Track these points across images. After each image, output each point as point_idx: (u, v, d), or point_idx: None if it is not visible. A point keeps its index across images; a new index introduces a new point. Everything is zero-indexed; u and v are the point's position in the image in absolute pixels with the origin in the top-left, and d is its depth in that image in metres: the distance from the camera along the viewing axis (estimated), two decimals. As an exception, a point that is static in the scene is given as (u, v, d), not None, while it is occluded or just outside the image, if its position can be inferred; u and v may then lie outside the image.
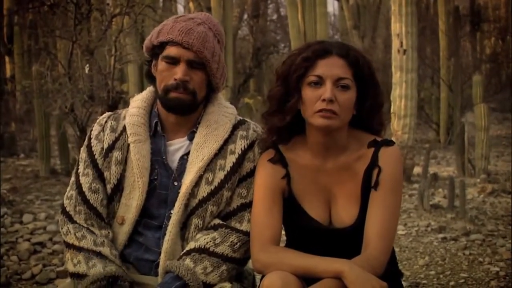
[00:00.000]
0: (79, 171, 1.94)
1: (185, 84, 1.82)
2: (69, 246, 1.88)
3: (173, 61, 1.83)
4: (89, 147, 1.95)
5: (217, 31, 1.89)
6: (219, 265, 1.79)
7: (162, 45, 1.84)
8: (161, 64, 1.85)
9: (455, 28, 10.94)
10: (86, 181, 1.91)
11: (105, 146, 1.92)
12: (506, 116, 13.42)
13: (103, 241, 1.85)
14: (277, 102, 1.85)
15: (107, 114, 2.01)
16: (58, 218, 1.99)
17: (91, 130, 1.98)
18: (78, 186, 1.92)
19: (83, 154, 1.96)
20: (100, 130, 1.95)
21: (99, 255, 1.82)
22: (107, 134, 1.93)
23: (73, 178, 1.96)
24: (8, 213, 4.95)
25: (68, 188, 1.96)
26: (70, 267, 1.86)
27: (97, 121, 1.99)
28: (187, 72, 1.82)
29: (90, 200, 1.89)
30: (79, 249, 1.84)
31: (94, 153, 1.93)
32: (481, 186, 6.41)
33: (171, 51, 1.82)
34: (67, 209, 1.92)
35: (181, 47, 1.81)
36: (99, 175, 1.91)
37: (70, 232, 1.88)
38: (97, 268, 1.78)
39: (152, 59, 1.91)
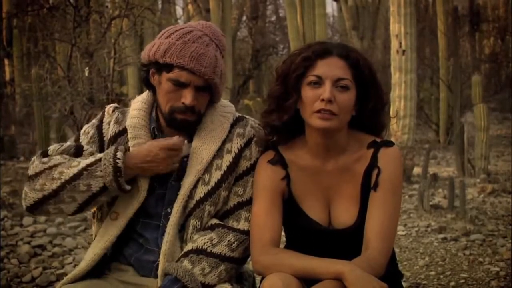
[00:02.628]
0: (80, 141, 1.93)
1: (193, 108, 1.83)
2: (36, 174, 1.82)
3: (181, 85, 1.81)
4: (99, 127, 1.95)
5: (222, 44, 1.87)
6: (217, 265, 1.79)
7: (169, 66, 1.80)
8: (167, 85, 1.82)
9: (454, 28, 10.93)
10: (88, 149, 1.89)
11: (109, 135, 1.92)
12: (506, 116, 13.42)
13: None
14: (275, 101, 1.85)
15: (113, 105, 2.01)
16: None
17: (102, 116, 1.97)
18: (79, 146, 1.90)
19: (90, 129, 1.95)
20: (110, 120, 1.95)
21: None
22: (112, 124, 1.93)
23: (68, 142, 1.93)
24: (8, 216, 4.95)
25: None
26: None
27: (106, 110, 1.98)
28: (195, 96, 1.81)
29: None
30: (50, 167, 1.81)
31: (104, 135, 1.93)
32: (481, 186, 6.41)
33: (180, 76, 1.79)
34: (49, 150, 1.88)
35: (191, 73, 1.79)
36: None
37: (37, 161, 1.85)
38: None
39: (148, 67, 1.88)
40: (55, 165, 1.81)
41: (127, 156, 1.80)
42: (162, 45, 1.81)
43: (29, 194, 1.82)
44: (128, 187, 1.81)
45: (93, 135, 1.94)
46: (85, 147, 1.91)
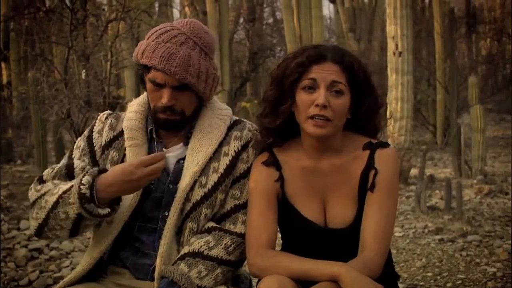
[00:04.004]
0: (73, 156, 1.93)
1: (172, 108, 1.82)
2: (33, 203, 1.85)
3: (159, 85, 1.81)
4: (90, 138, 1.95)
5: (204, 43, 1.85)
6: (214, 269, 1.79)
7: (147, 67, 1.82)
8: (149, 85, 1.84)
9: (451, 30, 10.97)
10: (79, 164, 1.90)
11: (103, 142, 1.92)
12: (503, 117, 13.48)
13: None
14: (270, 105, 1.86)
15: (107, 112, 2.02)
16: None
17: (93, 125, 1.98)
18: (69, 164, 1.90)
19: (81, 142, 1.96)
20: (102, 127, 1.95)
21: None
22: (106, 131, 1.94)
23: (63, 160, 1.94)
24: (5, 220, 4.94)
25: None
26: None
27: (98, 118, 1.99)
28: (172, 96, 1.81)
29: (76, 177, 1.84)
30: (40, 195, 1.83)
31: (95, 144, 1.93)
32: (477, 187, 6.43)
33: (155, 76, 1.80)
34: (44, 175, 1.90)
35: (164, 73, 1.78)
36: (94, 165, 1.90)
37: (33, 189, 1.87)
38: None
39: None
40: (44, 194, 1.83)
41: (99, 179, 1.74)
42: (142, 46, 1.83)
43: (31, 222, 1.86)
44: (104, 211, 1.74)
45: (84, 147, 1.94)
46: (76, 163, 1.91)
